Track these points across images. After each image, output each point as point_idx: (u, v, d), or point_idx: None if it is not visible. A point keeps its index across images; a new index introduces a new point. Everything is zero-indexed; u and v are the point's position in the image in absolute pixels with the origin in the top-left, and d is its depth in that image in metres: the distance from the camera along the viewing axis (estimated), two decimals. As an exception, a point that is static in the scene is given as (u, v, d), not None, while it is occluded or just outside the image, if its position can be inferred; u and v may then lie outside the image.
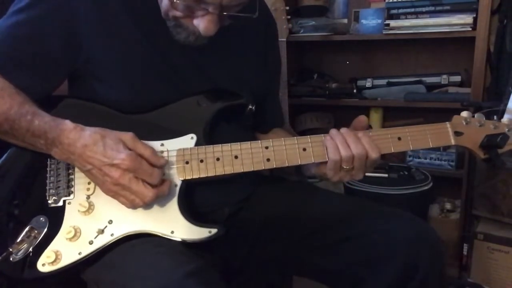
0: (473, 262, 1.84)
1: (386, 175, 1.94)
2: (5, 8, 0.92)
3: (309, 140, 0.92)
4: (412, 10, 2.01)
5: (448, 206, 2.17)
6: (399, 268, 0.93)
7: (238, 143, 0.91)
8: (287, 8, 1.80)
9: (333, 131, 0.92)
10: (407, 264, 0.93)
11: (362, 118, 0.95)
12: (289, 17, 1.84)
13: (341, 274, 1.00)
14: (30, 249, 0.86)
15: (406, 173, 1.97)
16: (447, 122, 0.96)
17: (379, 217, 1.00)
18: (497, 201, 1.75)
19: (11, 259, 0.85)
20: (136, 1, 0.94)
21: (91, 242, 0.86)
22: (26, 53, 0.89)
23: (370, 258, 0.96)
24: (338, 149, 0.90)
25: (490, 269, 1.79)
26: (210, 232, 0.88)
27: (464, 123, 0.97)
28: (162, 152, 0.89)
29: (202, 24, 0.87)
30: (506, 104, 1.39)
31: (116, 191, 0.82)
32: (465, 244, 1.89)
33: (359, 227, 0.99)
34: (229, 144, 0.91)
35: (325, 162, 0.93)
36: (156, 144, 0.89)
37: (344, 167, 0.91)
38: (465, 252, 1.90)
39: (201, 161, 0.90)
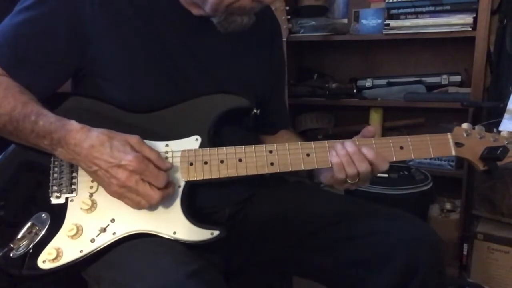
0: (473, 262, 1.83)
1: (386, 175, 1.93)
2: (11, 6, 0.92)
3: (313, 146, 0.93)
4: (412, 10, 2.01)
5: (448, 206, 2.17)
6: (399, 269, 0.94)
7: (242, 146, 0.91)
8: (287, 8, 1.80)
9: (337, 147, 0.91)
10: (407, 265, 0.93)
11: (370, 128, 0.95)
12: (289, 17, 1.85)
13: (341, 274, 1.00)
14: (31, 246, 0.85)
15: (406, 173, 1.97)
16: (448, 133, 0.97)
17: (379, 217, 1.01)
18: (497, 201, 1.75)
19: (11, 255, 0.85)
20: (143, 0, 0.94)
21: (92, 240, 0.86)
22: (31, 52, 0.89)
23: (370, 258, 0.96)
24: (344, 169, 0.90)
25: (490, 269, 1.79)
26: (212, 234, 0.88)
27: (465, 134, 0.97)
28: (166, 152, 0.89)
29: None
30: (506, 104, 1.40)
31: (122, 193, 0.82)
32: (465, 244, 1.90)
33: (359, 228, 0.99)
34: (233, 147, 0.91)
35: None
36: (160, 145, 0.89)
37: (350, 182, 0.91)
38: (465, 252, 1.91)
39: (205, 163, 0.90)
